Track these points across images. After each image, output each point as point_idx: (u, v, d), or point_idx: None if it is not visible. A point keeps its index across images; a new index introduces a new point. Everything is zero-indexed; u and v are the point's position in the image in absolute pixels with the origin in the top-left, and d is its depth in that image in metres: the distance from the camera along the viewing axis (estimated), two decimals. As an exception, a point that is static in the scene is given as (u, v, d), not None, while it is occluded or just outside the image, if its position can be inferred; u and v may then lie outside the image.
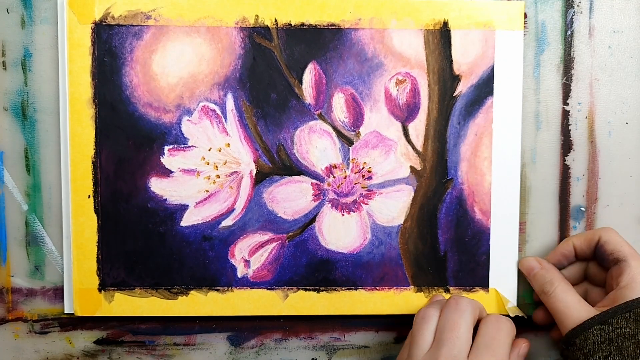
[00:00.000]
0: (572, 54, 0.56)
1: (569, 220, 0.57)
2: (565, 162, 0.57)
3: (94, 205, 0.55)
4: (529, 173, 0.56)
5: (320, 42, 0.54)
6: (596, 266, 0.55)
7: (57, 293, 0.57)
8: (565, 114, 0.56)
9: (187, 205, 0.55)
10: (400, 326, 0.57)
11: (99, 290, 0.55)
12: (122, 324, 0.57)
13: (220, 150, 0.55)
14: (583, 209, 0.57)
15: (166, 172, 0.55)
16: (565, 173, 0.57)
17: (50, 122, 0.55)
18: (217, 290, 0.56)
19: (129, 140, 0.54)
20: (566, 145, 0.56)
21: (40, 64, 0.55)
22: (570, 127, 0.56)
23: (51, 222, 0.56)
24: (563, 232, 0.57)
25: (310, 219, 0.56)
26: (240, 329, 0.57)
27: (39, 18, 0.55)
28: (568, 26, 0.56)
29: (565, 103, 0.56)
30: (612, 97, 0.56)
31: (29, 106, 0.55)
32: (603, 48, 0.56)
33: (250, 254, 0.55)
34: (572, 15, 0.56)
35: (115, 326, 0.57)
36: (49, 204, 0.56)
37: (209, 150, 0.55)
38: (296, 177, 0.55)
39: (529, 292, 0.57)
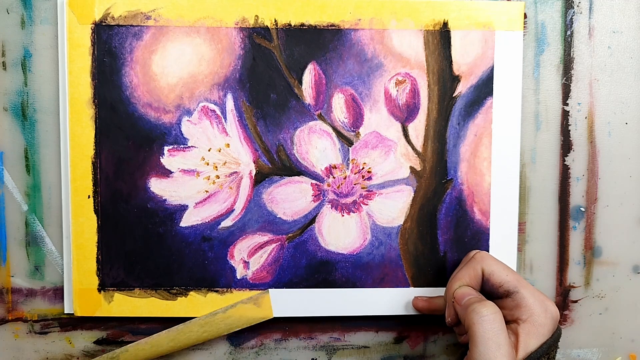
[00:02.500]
0: (571, 54, 0.56)
1: (569, 221, 0.57)
2: (565, 162, 0.57)
3: (94, 205, 0.55)
4: (528, 173, 0.56)
5: (320, 42, 0.54)
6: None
7: (57, 293, 0.57)
8: (565, 114, 0.56)
9: (187, 206, 0.55)
10: (400, 326, 0.57)
11: (99, 290, 0.55)
12: (122, 324, 0.57)
13: (220, 151, 0.55)
14: (583, 209, 0.57)
15: (166, 173, 0.55)
16: (565, 173, 0.57)
17: (50, 122, 0.55)
18: (217, 291, 0.56)
19: (129, 141, 0.54)
20: (566, 146, 0.56)
21: (40, 64, 0.55)
22: (570, 128, 0.56)
23: (51, 222, 0.56)
24: (563, 232, 0.57)
25: (310, 220, 0.56)
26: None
27: (39, 18, 0.55)
28: (568, 26, 0.56)
29: (565, 103, 0.56)
30: (612, 98, 0.56)
31: (29, 106, 0.55)
32: (603, 48, 0.56)
33: (250, 255, 0.55)
34: (572, 16, 0.56)
35: (115, 326, 0.57)
36: (49, 204, 0.56)
37: (209, 150, 0.55)
38: (296, 178, 0.55)
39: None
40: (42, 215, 0.56)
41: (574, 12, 0.56)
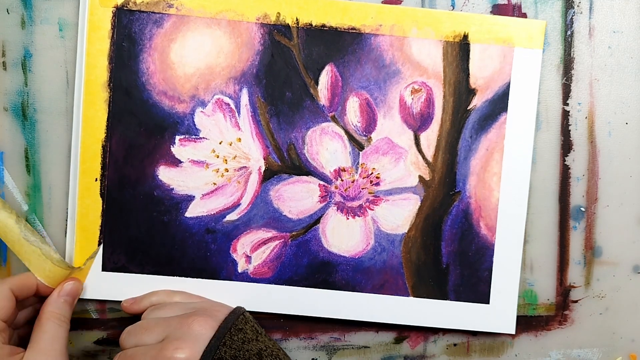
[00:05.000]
0: (572, 54, 0.56)
1: (569, 221, 0.57)
2: (565, 162, 0.56)
3: (101, 188, 0.54)
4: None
5: (340, 44, 0.54)
6: None
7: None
8: (565, 114, 0.56)
9: (193, 197, 0.55)
10: (400, 326, 0.57)
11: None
12: (122, 324, 0.56)
13: (231, 145, 0.55)
14: (583, 209, 0.57)
15: (175, 162, 0.55)
16: (565, 173, 0.57)
17: (50, 122, 0.55)
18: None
19: (141, 127, 0.54)
20: (566, 146, 0.56)
21: (40, 64, 0.55)
22: (570, 128, 0.56)
23: (51, 222, 0.56)
24: (563, 232, 0.57)
25: (314, 220, 0.56)
26: (237, 326, 0.57)
27: (39, 18, 0.54)
28: (568, 26, 0.56)
29: (565, 103, 0.56)
30: (612, 97, 0.56)
31: (29, 106, 0.55)
32: (603, 48, 0.56)
33: (252, 250, 0.55)
34: (572, 16, 0.56)
35: (115, 326, 0.57)
36: (49, 204, 0.55)
37: (220, 143, 0.55)
38: (304, 177, 0.55)
39: (529, 292, 0.57)
40: (42, 215, 0.56)
41: (574, 12, 0.56)
